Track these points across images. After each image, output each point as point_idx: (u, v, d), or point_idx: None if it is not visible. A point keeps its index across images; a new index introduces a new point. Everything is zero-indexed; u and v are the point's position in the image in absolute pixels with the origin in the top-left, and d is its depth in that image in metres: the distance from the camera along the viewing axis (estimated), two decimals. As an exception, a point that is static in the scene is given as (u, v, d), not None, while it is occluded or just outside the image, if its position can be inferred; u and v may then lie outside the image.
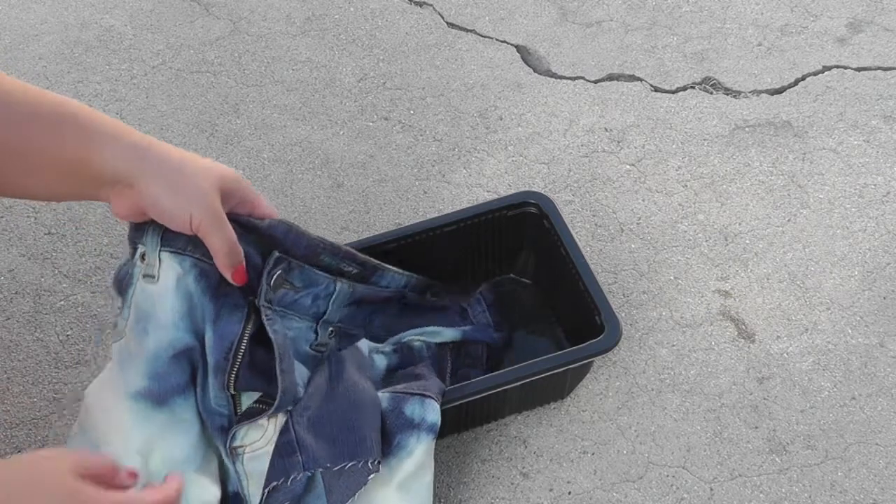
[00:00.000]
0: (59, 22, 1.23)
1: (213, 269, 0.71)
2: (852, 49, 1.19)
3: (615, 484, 0.84)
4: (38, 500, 0.58)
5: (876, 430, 0.87)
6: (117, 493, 0.61)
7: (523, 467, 0.85)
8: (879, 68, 1.17)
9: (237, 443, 0.73)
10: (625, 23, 1.23)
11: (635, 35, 1.21)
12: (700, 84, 1.16)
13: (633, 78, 1.16)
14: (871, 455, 0.85)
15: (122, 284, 0.72)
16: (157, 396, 0.71)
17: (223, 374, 0.72)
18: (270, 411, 0.73)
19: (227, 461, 0.74)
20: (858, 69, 1.16)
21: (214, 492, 0.72)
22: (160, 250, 0.70)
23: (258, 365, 0.74)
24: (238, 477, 0.73)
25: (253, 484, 0.73)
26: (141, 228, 0.71)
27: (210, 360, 0.72)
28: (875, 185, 1.05)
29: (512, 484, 0.84)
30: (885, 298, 0.96)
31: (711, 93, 1.15)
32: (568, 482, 0.84)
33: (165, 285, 0.70)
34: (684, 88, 1.15)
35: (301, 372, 0.77)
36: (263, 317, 0.73)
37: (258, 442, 0.73)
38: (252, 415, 0.74)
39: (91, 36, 1.21)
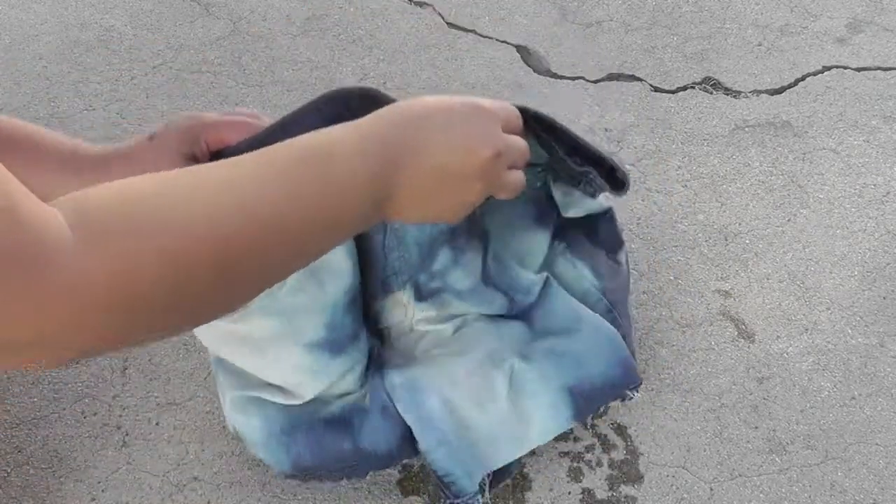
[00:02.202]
0: (59, 22, 1.23)
1: None
2: (852, 49, 1.19)
3: (615, 484, 0.84)
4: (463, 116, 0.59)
5: (876, 430, 0.87)
6: None
7: (523, 467, 0.85)
8: (879, 68, 1.17)
9: None
10: (625, 23, 1.23)
11: (635, 35, 1.21)
12: (700, 84, 1.16)
13: (633, 78, 1.16)
14: (871, 455, 0.85)
15: None
16: (335, 345, 0.76)
17: None
18: None
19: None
20: (858, 69, 1.16)
21: None
22: None
23: None
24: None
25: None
26: None
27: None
28: (875, 185, 1.05)
29: (512, 484, 0.84)
30: (885, 298, 0.96)
31: (711, 93, 1.15)
32: (568, 482, 0.84)
33: None
34: (684, 88, 1.15)
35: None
36: None
37: None
38: None
39: (91, 36, 1.21)
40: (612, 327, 0.81)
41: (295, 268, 0.56)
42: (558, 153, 0.71)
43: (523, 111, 0.66)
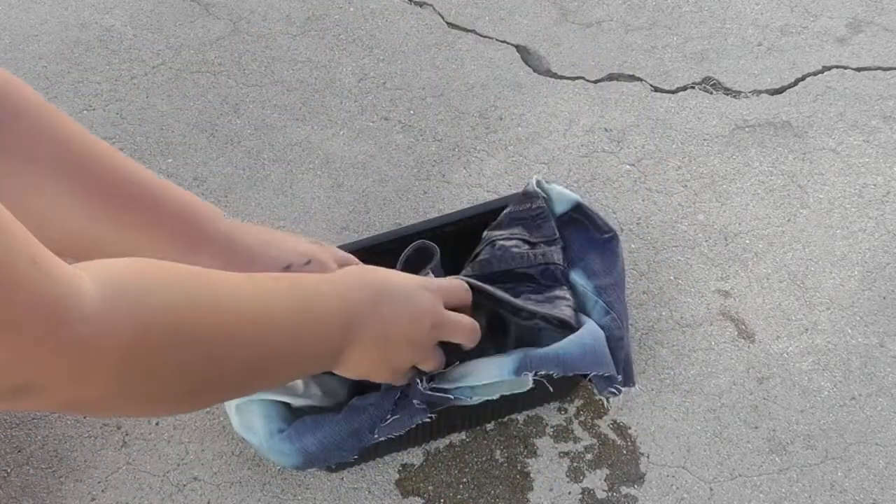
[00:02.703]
0: (59, 22, 1.23)
1: None
2: (852, 49, 1.19)
3: (615, 484, 0.84)
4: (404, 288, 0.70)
5: (876, 430, 0.87)
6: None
7: (523, 467, 0.85)
8: (879, 68, 1.17)
9: None
10: (625, 23, 1.23)
11: (635, 35, 1.21)
12: (700, 84, 1.16)
13: (633, 78, 1.16)
14: (871, 455, 0.85)
15: None
16: None
17: None
18: None
19: None
20: (858, 69, 1.16)
21: None
22: None
23: None
24: None
25: None
26: None
27: None
28: (875, 185, 1.05)
29: (512, 484, 0.84)
30: (885, 298, 0.96)
31: (711, 93, 1.15)
32: (568, 482, 0.84)
33: None
34: (684, 88, 1.15)
35: None
36: None
37: None
38: None
39: (91, 36, 1.21)
40: (603, 338, 0.81)
41: (257, 386, 0.67)
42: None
43: (471, 286, 0.78)
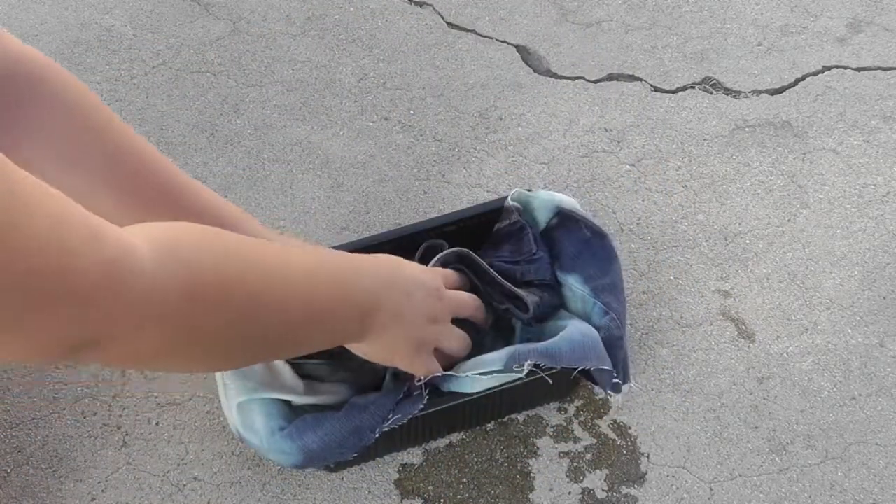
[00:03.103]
0: (59, 22, 1.23)
1: None
2: (852, 49, 1.19)
3: (615, 484, 0.84)
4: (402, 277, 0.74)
5: (876, 430, 0.87)
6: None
7: (523, 467, 0.85)
8: (879, 68, 1.17)
9: None
10: (625, 23, 1.23)
11: (635, 35, 1.21)
12: (700, 84, 1.16)
13: (633, 78, 1.16)
14: (871, 455, 0.85)
15: None
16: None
17: None
18: None
19: None
20: (858, 69, 1.16)
21: None
22: None
23: None
24: None
25: None
26: None
27: None
28: (875, 185, 1.05)
29: (512, 484, 0.84)
30: (885, 298, 0.96)
31: (711, 93, 1.15)
32: (568, 482, 0.84)
33: None
34: (684, 88, 1.15)
35: None
36: None
37: None
38: None
39: (91, 36, 1.21)
40: (594, 335, 0.81)
41: (291, 350, 0.72)
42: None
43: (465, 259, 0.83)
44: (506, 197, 0.90)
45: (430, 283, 0.76)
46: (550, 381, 0.79)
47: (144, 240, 0.52)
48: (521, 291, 0.84)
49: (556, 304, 0.86)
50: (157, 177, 0.74)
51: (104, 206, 0.69)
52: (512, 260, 0.87)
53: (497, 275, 0.83)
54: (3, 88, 0.66)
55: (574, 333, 0.81)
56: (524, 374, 0.79)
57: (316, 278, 0.67)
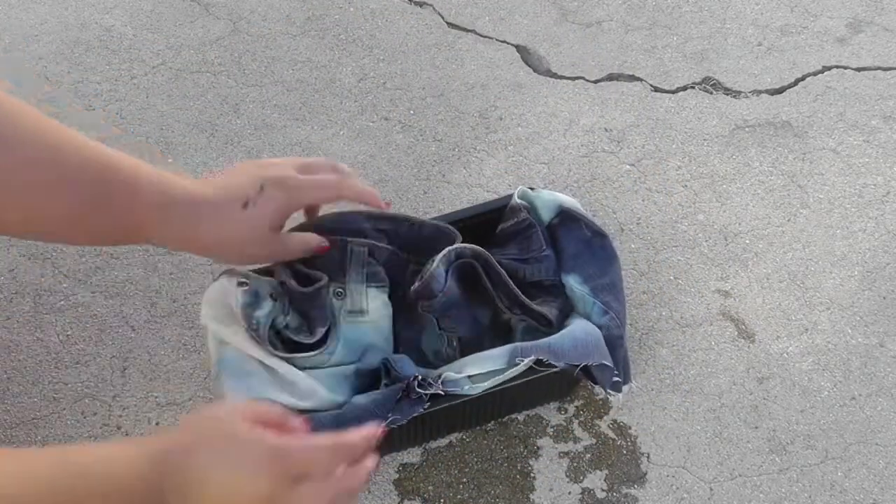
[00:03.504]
0: (59, 22, 1.23)
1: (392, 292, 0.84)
2: (852, 49, 1.19)
3: (615, 484, 0.84)
4: (230, 449, 0.58)
5: (876, 430, 0.87)
6: (300, 437, 0.62)
7: (523, 467, 0.85)
8: (879, 68, 1.17)
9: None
10: (625, 23, 1.23)
11: (635, 35, 1.21)
12: (700, 84, 1.16)
13: (633, 78, 1.16)
14: (871, 455, 0.85)
15: (315, 322, 0.81)
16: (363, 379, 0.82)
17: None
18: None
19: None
20: (858, 69, 1.16)
21: None
22: (367, 286, 0.82)
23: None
24: None
25: None
26: (336, 269, 0.82)
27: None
28: (875, 185, 1.05)
29: (512, 484, 0.84)
30: (885, 298, 0.96)
31: (711, 93, 1.15)
32: (568, 482, 0.84)
33: (379, 314, 0.83)
34: (684, 88, 1.15)
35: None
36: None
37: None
38: None
39: (91, 36, 1.21)
40: (596, 333, 0.81)
41: None
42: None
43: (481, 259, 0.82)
44: (507, 196, 0.90)
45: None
46: (550, 380, 0.79)
47: None
48: (542, 308, 0.83)
49: (569, 310, 0.86)
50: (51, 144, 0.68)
51: None
52: (520, 258, 0.86)
53: (511, 283, 0.83)
54: None
55: (577, 331, 0.81)
56: (526, 368, 0.79)
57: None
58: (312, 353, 0.80)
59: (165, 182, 0.72)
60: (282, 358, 0.79)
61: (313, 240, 0.81)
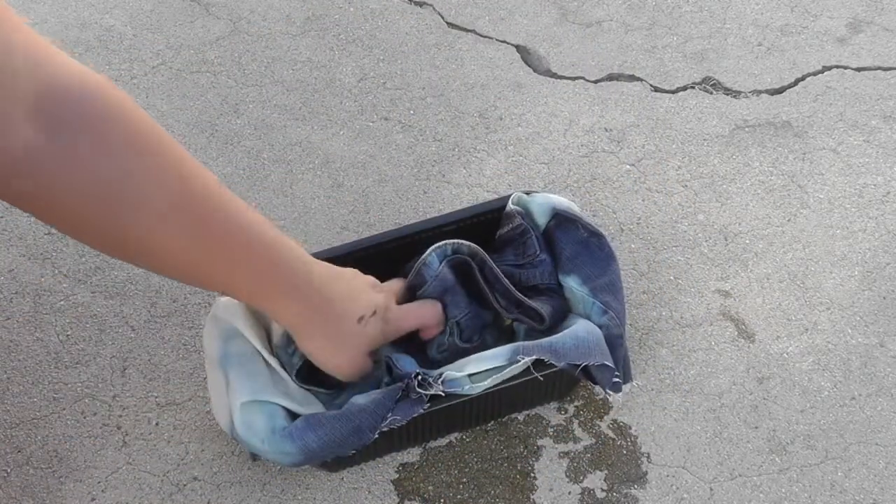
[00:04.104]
0: (59, 22, 1.23)
1: None
2: (852, 49, 1.19)
3: (615, 484, 0.84)
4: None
5: (876, 430, 0.87)
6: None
7: (523, 467, 0.85)
8: (879, 68, 1.17)
9: None
10: (625, 23, 1.23)
11: (635, 35, 1.21)
12: (700, 84, 1.16)
13: (633, 78, 1.16)
14: (871, 455, 0.85)
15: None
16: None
17: None
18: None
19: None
20: (858, 69, 1.16)
21: None
22: None
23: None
24: None
25: None
26: None
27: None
28: (875, 185, 1.05)
29: (512, 484, 0.84)
30: (885, 298, 0.96)
31: (711, 93, 1.15)
32: (568, 482, 0.84)
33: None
34: (684, 88, 1.15)
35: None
36: None
37: None
38: None
39: (91, 36, 1.21)
40: (597, 332, 0.82)
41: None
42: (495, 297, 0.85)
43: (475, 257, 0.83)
44: (506, 197, 0.90)
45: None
46: (547, 380, 0.79)
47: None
48: (535, 304, 0.84)
49: (566, 311, 0.87)
50: (221, 206, 0.70)
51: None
52: (516, 263, 0.87)
53: (507, 281, 0.83)
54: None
55: (579, 331, 0.81)
56: (527, 367, 0.79)
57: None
58: (326, 391, 0.82)
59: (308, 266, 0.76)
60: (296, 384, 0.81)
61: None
